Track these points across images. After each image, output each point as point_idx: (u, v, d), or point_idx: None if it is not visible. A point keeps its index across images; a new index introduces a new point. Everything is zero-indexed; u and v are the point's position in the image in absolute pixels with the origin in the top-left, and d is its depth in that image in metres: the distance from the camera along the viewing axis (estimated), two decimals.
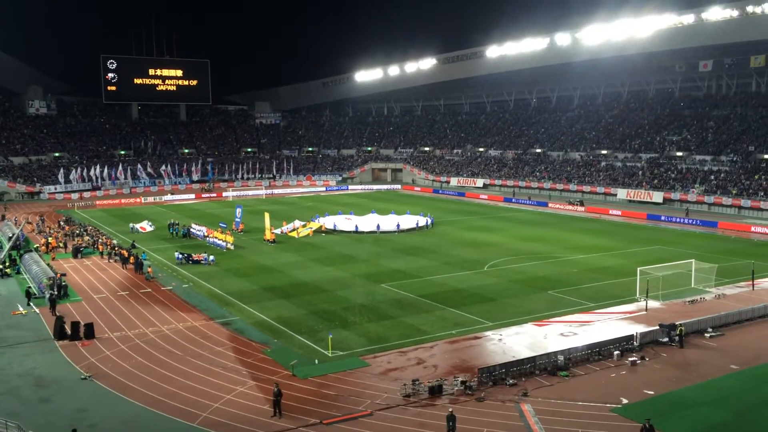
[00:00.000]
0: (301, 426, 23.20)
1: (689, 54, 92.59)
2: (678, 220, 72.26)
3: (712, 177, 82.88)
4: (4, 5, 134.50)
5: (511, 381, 26.69)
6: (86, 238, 59.33)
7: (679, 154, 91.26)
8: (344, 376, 27.64)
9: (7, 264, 47.97)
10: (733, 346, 30.97)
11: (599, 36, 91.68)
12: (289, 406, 24.41)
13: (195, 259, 50.55)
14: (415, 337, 32.70)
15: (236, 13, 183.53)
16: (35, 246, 55.50)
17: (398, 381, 26.77)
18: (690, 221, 71.05)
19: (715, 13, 79.20)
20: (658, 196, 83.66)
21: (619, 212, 78.66)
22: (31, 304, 38.68)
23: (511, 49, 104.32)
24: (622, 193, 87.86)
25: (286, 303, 39.03)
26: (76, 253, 53.43)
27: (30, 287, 41.67)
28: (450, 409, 22.81)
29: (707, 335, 32.22)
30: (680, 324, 31.60)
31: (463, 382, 26.15)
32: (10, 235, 57.54)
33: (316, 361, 29.30)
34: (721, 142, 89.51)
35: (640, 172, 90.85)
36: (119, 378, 27.48)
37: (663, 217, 73.73)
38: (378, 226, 65.24)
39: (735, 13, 77.77)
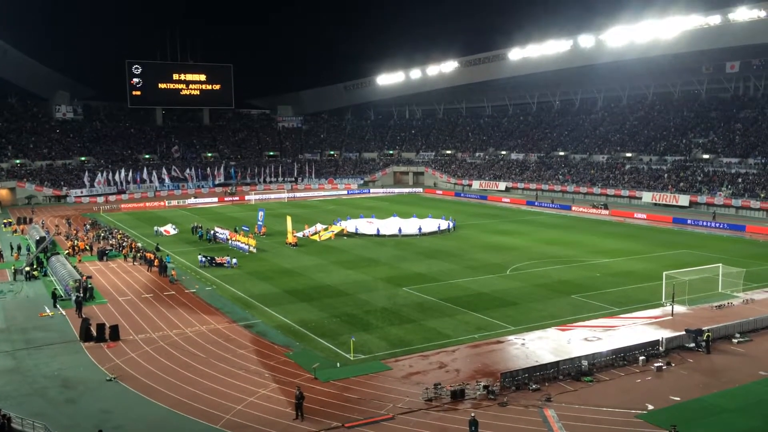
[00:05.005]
0: (323, 429, 23.23)
1: (716, 55, 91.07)
2: (705, 223, 71.17)
3: (740, 180, 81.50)
4: (31, 12, 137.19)
5: (534, 386, 26.46)
6: (112, 241, 60.14)
7: (706, 156, 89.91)
8: (366, 380, 27.62)
9: (34, 266, 48.77)
10: (762, 351, 30.39)
11: (623, 37, 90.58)
12: (311, 409, 24.46)
13: (218, 262, 50.96)
14: (438, 341, 32.57)
15: (262, 26, 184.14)
16: (65, 252, 56.23)
17: (420, 385, 26.69)
18: (717, 225, 69.92)
19: (742, 14, 77.81)
20: (684, 200, 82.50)
21: (644, 215, 77.64)
22: (58, 306, 39.26)
23: (533, 52, 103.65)
24: (647, 196, 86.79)
25: (308, 306, 39.16)
26: (102, 256, 54.20)
27: (56, 289, 42.20)
28: (472, 414, 22.69)
29: (735, 341, 31.66)
30: (707, 329, 31.10)
31: (485, 387, 25.98)
32: (38, 238, 58.51)
33: (338, 365, 29.32)
34: (748, 144, 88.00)
35: (666, 175, 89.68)
36: (144, 380, 27.77)
37: (689, 221, 72.71)
38: (399, 230, 65.19)
39: (762, 13, 76.25)
